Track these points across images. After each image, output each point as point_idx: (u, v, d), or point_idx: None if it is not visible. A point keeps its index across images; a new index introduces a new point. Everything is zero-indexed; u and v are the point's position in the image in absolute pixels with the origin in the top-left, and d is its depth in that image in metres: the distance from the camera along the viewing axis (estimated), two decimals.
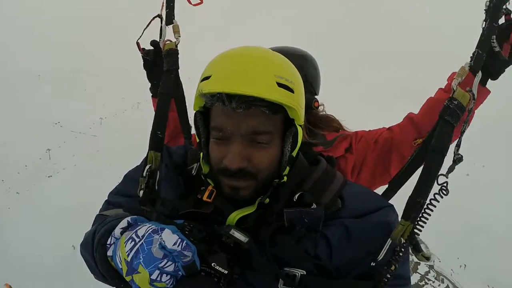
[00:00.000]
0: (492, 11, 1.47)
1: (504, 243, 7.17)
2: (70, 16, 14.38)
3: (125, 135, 9.35)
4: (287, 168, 1.29)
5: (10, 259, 5.57)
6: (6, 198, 7.19)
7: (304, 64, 2.24)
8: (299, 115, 1.24)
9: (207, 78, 1.20)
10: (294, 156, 1.31)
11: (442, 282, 6.51)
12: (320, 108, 2.35)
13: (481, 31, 1.50)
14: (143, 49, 2.02)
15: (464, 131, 1.37)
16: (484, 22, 1.49)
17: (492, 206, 8.02)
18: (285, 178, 1.29)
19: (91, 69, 12.62)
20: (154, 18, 1.80)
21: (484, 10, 1.50)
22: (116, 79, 11.78)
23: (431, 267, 6.68)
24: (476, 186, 8.86)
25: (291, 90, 1.19)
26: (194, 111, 1.33)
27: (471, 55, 1.47)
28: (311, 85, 2.27)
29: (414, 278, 6.26)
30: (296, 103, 1.21)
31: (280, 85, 1.16)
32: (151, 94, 2.30)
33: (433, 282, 6.58)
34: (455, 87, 1.35)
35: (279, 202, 1.28)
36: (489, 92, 1.87)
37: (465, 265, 6.83)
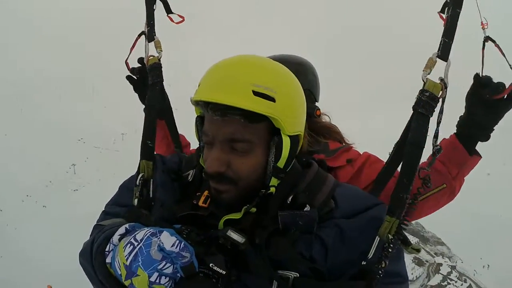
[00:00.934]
0: None
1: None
2: (84, 16, 14.66)
3: None
4: (275, 180, 1.27)
5: (37, 269, 5.67)
6: (33, 210, 7.36)
7: (303, 71, 2.19)
8: (284, 125, 1.20)
9: (198, 86, 1.25)
10: (282, 167, 1.26)
11: (465, 282, 6.42)
12: (326, 118, 2.32)
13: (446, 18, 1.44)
14: (132, 68, 2.04)
15: (440, 122, 1.34)
16: (447, 9, 1.44)
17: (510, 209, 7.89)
18: (273, 189, 1.27)
19: (110, 82, 12.90)
20: (139, 36, 1.82)
21: None
22: (134, 93, 12.06)
23: (453, 267, 6.60)
24: (497, 185, 8.76)
25: (271, 99, 1.16)
26: (196, 116, 1.37)
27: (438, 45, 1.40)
28: (311, 92, 2.22)
29: (437, 279, 6.19)
30: (279, 113, 1.18)
31: (256, 93, 1.15)
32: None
33: (456, 282, 6.49)
34: (424, 79, 1.33)
35: (268, 213, 1.26)
36: (479, 158, 1.82)
37: (488, 265, 6.72)
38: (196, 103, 1.22)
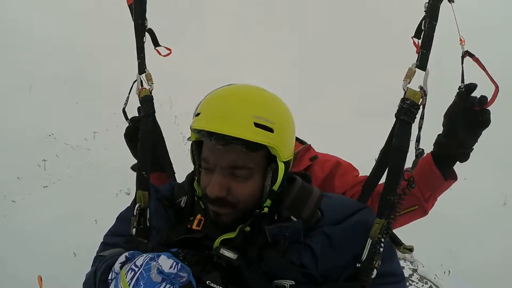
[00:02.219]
0: (431, 11, 1.47)
1: (486, 249, 7.25)
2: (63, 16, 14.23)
3: (118, 150, 9.40)
4: (269, 201, 1.37)
5: (6, 266, 5.52)
6: (1, 205, 7.13)
7: None
8: (280, 153, 1.31)
9: (197, 114, 1.33)
10: (277, 190, 1.37)
11: (426, 283, 6.60)
12: None
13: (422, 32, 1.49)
14: (131, 118, 2.06)
15: (421, 127, 1.40)
16: (424, 22, 1.50)
17: (473, 214, 8.11)
18: (266, 209, 1.37)
19: (83, 79, 12.60)
20: (134, 82, 1.86)
21: (424, 11, 1.51)
22: (106, 92, 11.85)
23: (414, 270, 6.75)
24: (456, 194, 8.98)
25: (270, 130, 1.27)
26: (191, 141, 1.45)
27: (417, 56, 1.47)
28: None
29: None
30: (276, 142, 1.29)
31: (257, 125, 1.25)
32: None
33: (417, 283, 6.67)
34: (405, 88, 1.38)
35: (261, 231, 1.33)
36: (454, 181, 1.87)
37: (449, 271, 6.89)
38: (198, 131, 1.29)
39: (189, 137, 1.48)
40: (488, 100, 1.62)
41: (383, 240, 1.27)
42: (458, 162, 1.82)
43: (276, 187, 1.35)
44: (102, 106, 11.48)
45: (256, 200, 1.37)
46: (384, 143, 1.60)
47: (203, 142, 1.39)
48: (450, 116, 1.73)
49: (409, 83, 1.41)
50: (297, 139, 2.26)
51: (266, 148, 1.30)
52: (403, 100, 1.37)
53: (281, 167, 1.33)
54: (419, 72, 1.45)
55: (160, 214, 1.53)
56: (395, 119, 1.40)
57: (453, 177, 1.85)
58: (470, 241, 7.61)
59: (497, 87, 1.61)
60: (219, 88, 1.42)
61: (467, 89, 1.67)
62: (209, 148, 1.32)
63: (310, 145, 2.24)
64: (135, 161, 1.87)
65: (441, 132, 1.83)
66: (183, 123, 10.10)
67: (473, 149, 1.77)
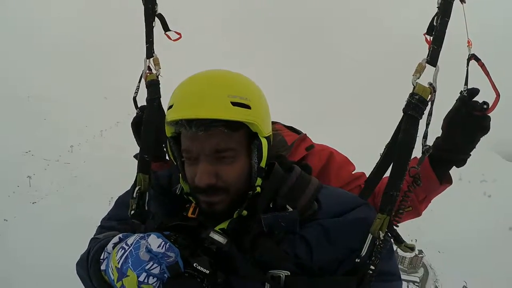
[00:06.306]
0: (444, 7, 1.41)
1: (447, 222, 7.83)
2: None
3: (97, 162, 9.51)
4: (259, 180, 1.32)
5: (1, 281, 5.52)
6: None
7: None
8: (261, 128, 1.27)
9: (170, 107, 1.27)
10: (264, 166, 1.32)
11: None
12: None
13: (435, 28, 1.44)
14: (141, 107, 1.97)
15: (429, 123, 1.34)
16: (436, 18, 1.43)
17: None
18: (259, 189, 1.31)
19: (45, 94, 12.57)
20: (144, 71, 1.81)
21: (437, 7, 1.44)
22: (72, 107, 11.86)
23: None
24: None
25: (247, 107, 1.22)
26: (168, 137, 1.39)
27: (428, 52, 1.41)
28: None
29: None
30: (255, 118, 1.24)
31: (234, 103, 1.20)
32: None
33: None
34: (414, 83, 1.32)
35: (258, 212, 1.28)
36: (449, 185, 1.80)
37: (416, 239, 7.45)
38: (176, 122, 1.24)
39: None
40: (490, 106, 1.58)
41: (383, 236, 1.22)
42: (454, 166, 1.77)
43: (263, 163, 1.31)
44: (70, 120, 11.44)
45: (246, 181, 1.31)
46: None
47: (180, 136, 1.32)
48: (450, 120, 1.68)
49: (418, 78, 1.35)
50: (292, 128, 2.23)
51: (246, 126, 1.25)
52: (412, 95, 1.30)
53: (264, 142, 1.29)
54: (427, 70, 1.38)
55: (158, 200, 1.48)
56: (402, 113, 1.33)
57: (448, 181, 1.79)
58: (433, 216, 8.17)
59: (498, 95, 1.56)
60: (188, 77, 1.35)
61: (469, 94, 1.62)
62: (189, 137, 1.25)
63: (305, 134, 2.15)
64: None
65: (439, 136, 1.77)
66: None
67: (470, 154, 1.71)
